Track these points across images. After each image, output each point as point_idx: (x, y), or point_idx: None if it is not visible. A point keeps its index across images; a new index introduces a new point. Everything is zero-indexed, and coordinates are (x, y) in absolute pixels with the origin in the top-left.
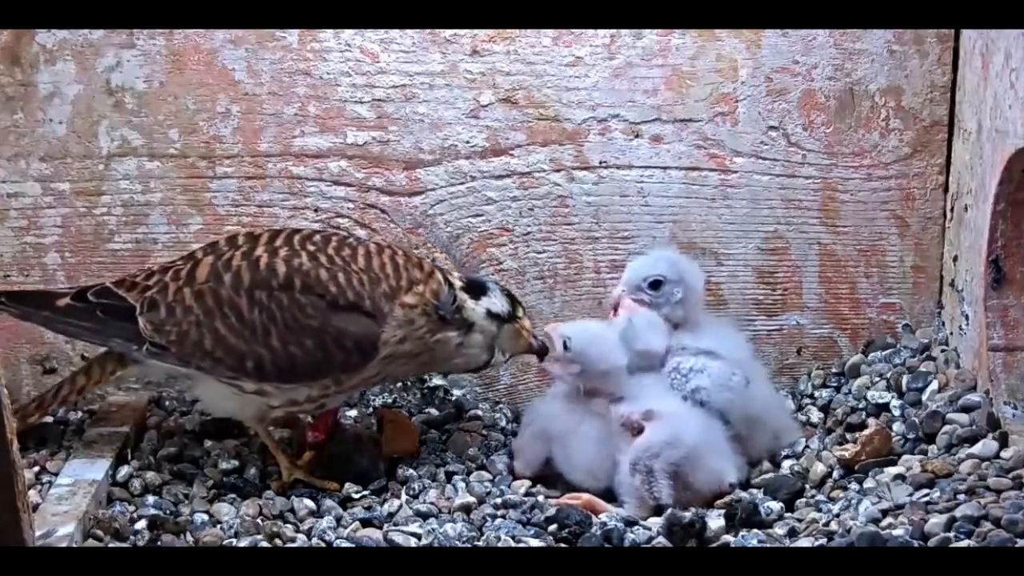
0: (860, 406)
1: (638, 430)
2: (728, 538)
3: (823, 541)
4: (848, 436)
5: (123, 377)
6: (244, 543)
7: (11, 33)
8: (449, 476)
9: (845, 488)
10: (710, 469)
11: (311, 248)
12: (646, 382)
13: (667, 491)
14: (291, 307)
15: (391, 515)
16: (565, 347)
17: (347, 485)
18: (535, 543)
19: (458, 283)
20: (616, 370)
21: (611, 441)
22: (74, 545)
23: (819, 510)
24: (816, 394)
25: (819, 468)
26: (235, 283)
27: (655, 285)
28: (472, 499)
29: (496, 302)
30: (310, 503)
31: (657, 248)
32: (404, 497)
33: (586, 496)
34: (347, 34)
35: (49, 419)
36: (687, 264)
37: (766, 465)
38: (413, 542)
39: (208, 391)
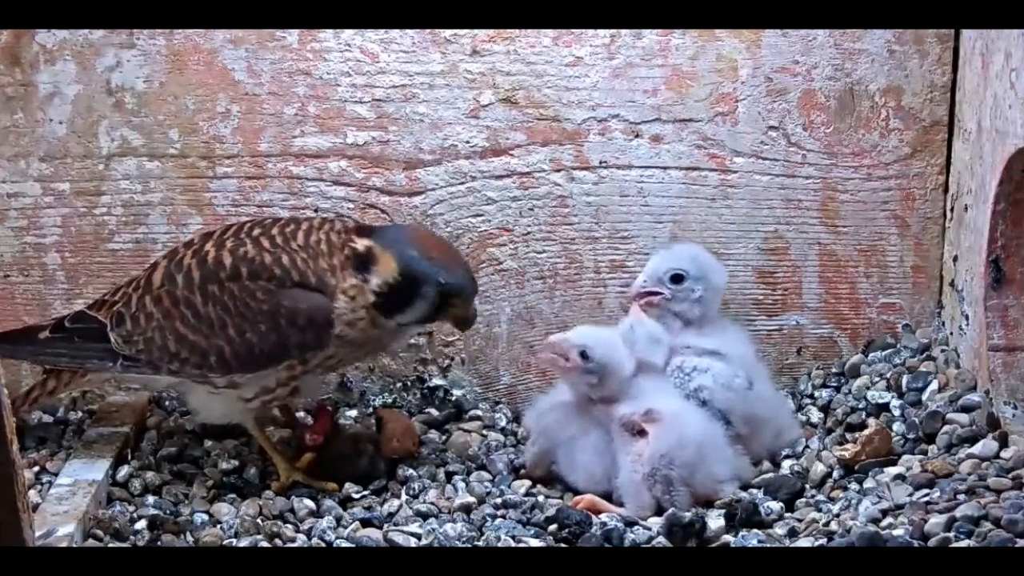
0: (860, 406)
1: (638, 430)
2: (728, 538)
3: (823, 541)
4: (848, 436)
5: (94, 381)
6: (244, 543)
7: (11, 33)
8: (449, 476)
9: (845, 488)
10: (708, 471)
11: (256, 233)
12: (645, 381)
13: (685, 498)
14: (242, 295)
15: (391, 515)
16: (585, 357)
17: (347, 485)
18: (535, 543)
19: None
20: (629, 376)
21: (611, 444)
22: (74, 545)
23: (819, 510)
24: (816, 394)
25: (819, 468)
26: (187, 282)
27: (677, 279)
28: (472, 499)
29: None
30: (310, 503)
31: (682, 242)
32: (404, 497)
33: (589, 497)
34: (347, 34)
35: (49, 419)
36: (712, 262)
37: (766, 465)
38: (413, 542)
39: (195, 399)
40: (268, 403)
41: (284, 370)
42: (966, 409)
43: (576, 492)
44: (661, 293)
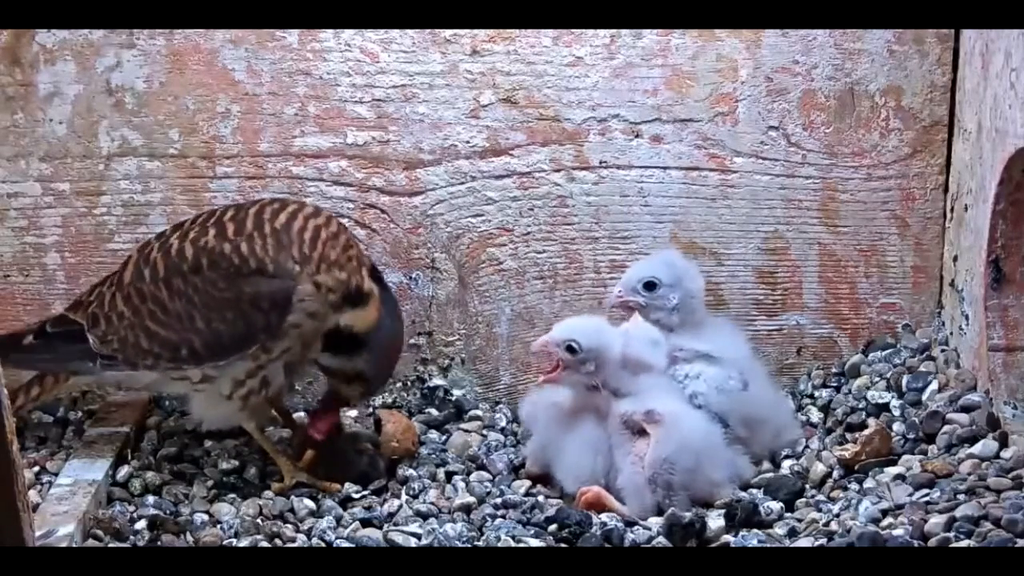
0: (860, 406)
1: (639, 430)
2: (728, 538)
3: (823, 541)
4: (848, 436)
5: (75, 384)
6: (244, 543)
7: (11, 33)
8: (449, 476)
9: (845, 488)
10: (707, 475)
11: (225, 220)
12: (647, 379)
13: (686, 501)
14: (204, 287)
15: (391, 515)
16: (573, 351)
17: (347, 485)
18: (535, 543)
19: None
20: (621, 362)
21: (603, 444)
22: (74, 545)
23: (819, 510)
24: (816, 394)
25: (819, 468)
26: (153, 276)
27: (649, 286)
28: (472, 499)
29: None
30: (310, 503)
31: (659, 250)
32: (404, 497)
33: (596, 489)
34: (347, 34)
35: (49, 419)
36: (686, 267)
37: (766, 465)
38: (413, 542)
39: (194, 406)
40: (246, 398)
41: (251, 359)
42: (966, 409)
43: (563, 490)
44: (636, 301)
